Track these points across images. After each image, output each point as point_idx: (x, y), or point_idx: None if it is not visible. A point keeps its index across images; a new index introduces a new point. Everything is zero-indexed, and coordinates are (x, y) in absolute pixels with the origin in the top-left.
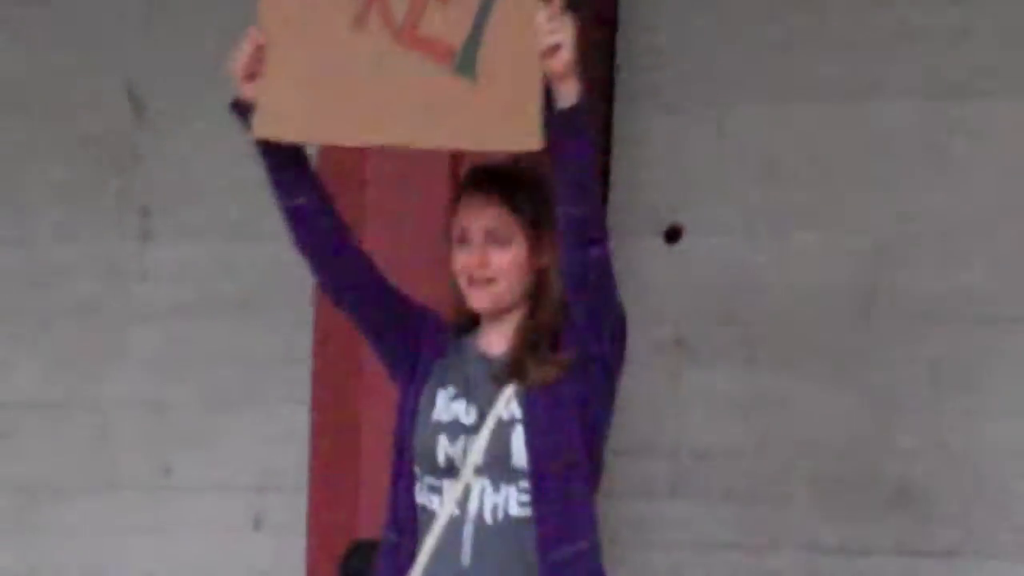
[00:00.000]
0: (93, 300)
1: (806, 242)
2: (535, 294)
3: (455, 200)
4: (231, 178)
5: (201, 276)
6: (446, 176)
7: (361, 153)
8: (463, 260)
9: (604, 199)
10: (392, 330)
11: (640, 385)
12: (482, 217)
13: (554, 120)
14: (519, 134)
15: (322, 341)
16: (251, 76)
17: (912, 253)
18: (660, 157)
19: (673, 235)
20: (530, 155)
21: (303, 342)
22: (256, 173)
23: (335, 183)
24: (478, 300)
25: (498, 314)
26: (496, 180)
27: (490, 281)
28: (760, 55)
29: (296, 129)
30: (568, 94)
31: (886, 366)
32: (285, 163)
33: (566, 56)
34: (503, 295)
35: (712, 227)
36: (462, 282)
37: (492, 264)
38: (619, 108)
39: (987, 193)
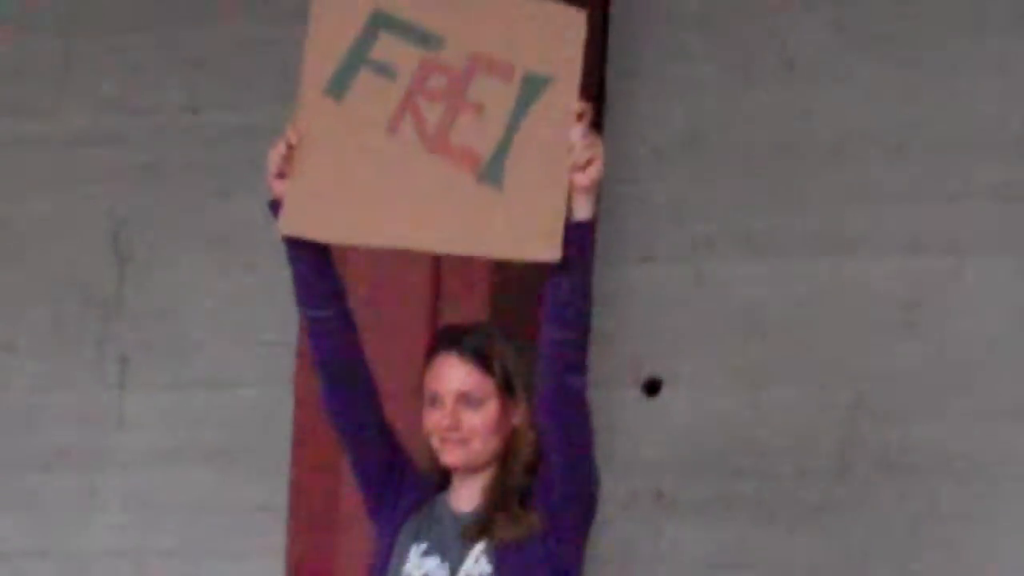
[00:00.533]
0: (71, 448)
1: (784, 395)
2: (506, 453)
3: (427, 358)
4: (211, 327)
5: (178, 425)
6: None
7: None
8: (436, 420)
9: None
10: (380, 473)
11: (619, 536)
12: (455, 379)
13: (569, 230)
14: (541, 245)
15: (297, 493)
16: (283, 175)
17: (888, 407)
18: (639, 308)
19: (652, 388)
20: (504, 314)
21: (279, 493)
22: (236, 321)
23: None
24: (451, 457)
25: (470, 471)
26: (468, 341)
27: (464, 441)
28: (739, 208)
29: (321, 228)
30: (587, 208)
31: (864, 520)
32: (313, 269)
33: (596, 173)
34: (477, 454)
35: (691, 379)
36: (435, 440)
37: (464, 426)
38: (598, 259)
39: (960, 348)
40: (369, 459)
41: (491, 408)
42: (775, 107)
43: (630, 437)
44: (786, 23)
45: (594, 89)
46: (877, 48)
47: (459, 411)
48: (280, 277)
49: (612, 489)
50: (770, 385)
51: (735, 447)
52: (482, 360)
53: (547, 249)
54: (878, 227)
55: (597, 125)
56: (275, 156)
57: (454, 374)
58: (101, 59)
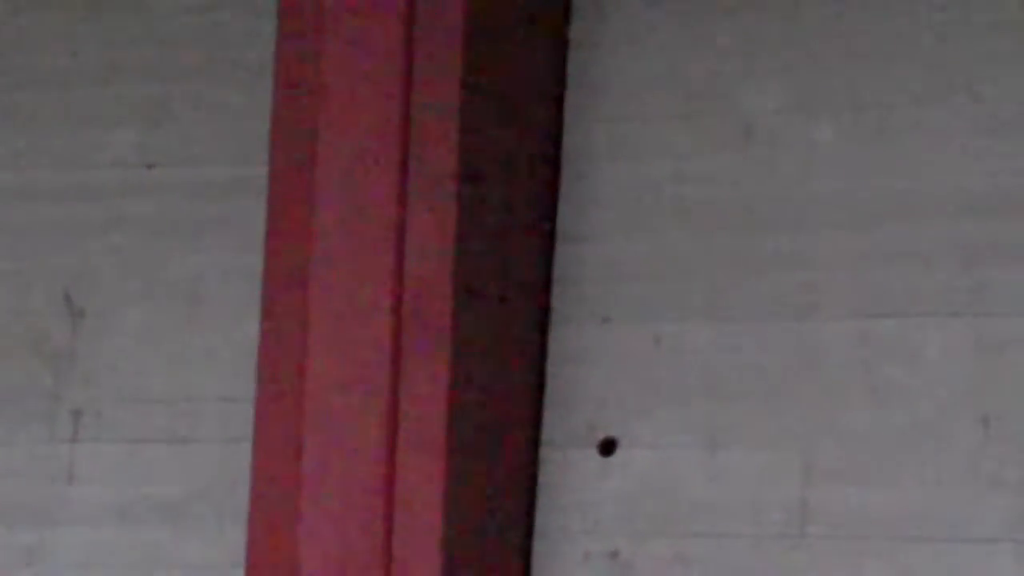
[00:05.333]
0: (21, 503)
1: (739, 458)
2: None
3: None
4: (165, 382)
5: (131, 480)
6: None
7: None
8: None
9: (539, 411)
10: None
11: None
12: None
13: None
14: None
15: (254, 551)
16: None
17: (844, 472)
18: (596, 369)
19: (607, 448)
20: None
21: (236, 551)
22: (191, 376)
23: None
24: None
25: None
26: None
27: None
28: (697, 271)
29: None
30: None
31: None
32: None
33: None
34: None
35: (646, 441)
36: None
37: None
38: (554, 320)
39: (915, 412)
40: None
41: None
42: (733, 170)
43: (586, 499)
44: (745, 91)
45: (549, 150)
46: (834, 113)
47: None
48: (237, 333)
49: (567, 549)
50: (726, 447)
51: (690, 509)
52: None
53: None
54: (832, 290)
55: (553, 186)
56: None
57: None
58: (53, 112)
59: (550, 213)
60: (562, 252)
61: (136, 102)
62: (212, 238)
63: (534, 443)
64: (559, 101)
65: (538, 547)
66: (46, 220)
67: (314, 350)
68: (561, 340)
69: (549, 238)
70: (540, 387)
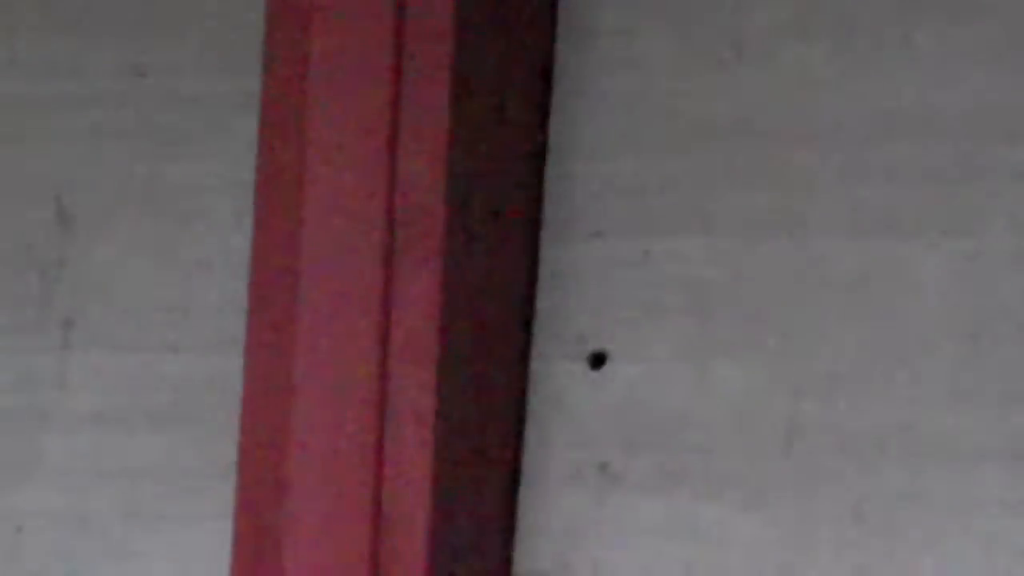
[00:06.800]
0: (12, 410)
1: (729, 372)
2: None
3: None
4: (156, 290)
5: (122, 388)
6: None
7: None
8: None
9: (529, 325)
10: None
11: (563, 509)
12: None
13: None
14: None
15: (246, 457)
16: None
17: (833, 387)
18: (586, 284)
19: (597, 361)
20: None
21: (227, 457)
22: (183, 284)
23: None
24: None
25: None
26: None
27: None
28: (688, 186)
29: None
30: None
31: (808, 500)
32: None
33: None
34: None
35: (636, 354)
36: None
37: None
38: (545, 235)
39: (908, 330)
40: None
41: None
42: (727, 87)
43: (575, 411)
44: (740, 8)
45: (542, 63)
46: (829, 33)
47: None
48: (230, 242)
49: (556, 462)
50: (716, 362)
51: (680, 422)
52: None
53: None
54: (825, 208)
55: (545, 100)
56: None
57: None
58: (45, 20)
59: (542, 128)
60: (554, 167)
61: (127, 8)
62: (205, 147)
63: (524, 356)
64: (552, 14)
65: (527, 459)
66: (37, 128)
67: (306, 258)
68: (552, 254)
69: (541, 153)
70: (531, 300)
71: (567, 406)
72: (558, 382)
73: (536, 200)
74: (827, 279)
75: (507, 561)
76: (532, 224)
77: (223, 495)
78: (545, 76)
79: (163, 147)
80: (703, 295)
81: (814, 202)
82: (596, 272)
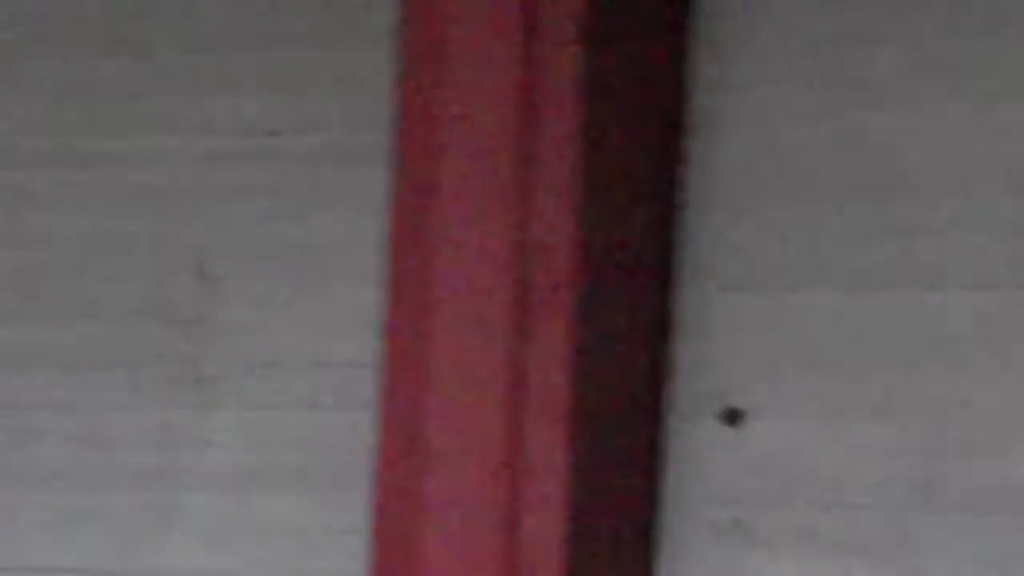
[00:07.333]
0: (150, 467)
1: (866, 429)
2: None
3: None
4: (293, 347)
5: (258, 445)
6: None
7: None
8: None
9: (662, 382)
10: None
11: (701, 566)
12: None
13: None
14: None
15: (379, 516)
16: None
17: (970, 446)
18: (720, 339)
19: (733, 418)
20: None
21: (360, 515)
22: (316, 342)
23: None
24: None
25: None
26: None
27: None
28: (823, 240)
29: None
30: None
31: (948, 558)
32: None
33: None
34: None
35: (772, 411)
36: None
37: None
38: (679, 289)
39: None
40: None
41: None
42: (861, 137)
43: (710, 468)
44: (863, 50)
45: (672, 116)
46: (954, 78)
47: None
48: (364, 299)
49: (692, 519)
50: (853, 419)
51: (816, 480)
52: None
53: None
54: (961, 260)
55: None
56: None
57: None
58: (179, 80)
59: (674, 180)
60: (686, 219)
61: (259, 69)
62: (339, 203)
63: (658, 412)
64: (681, 67)
65: (662, 516)
66: (177, 186)
67: (438, 319)
68: (686, 308)
69: (673, 205)
70: (664, 356)
71: (701, 462)
72: (692, 438)
73: (669, 252)
74: (964, 333)
75: None
76: (665, 276)
77: (357, 552)
78: (676, 129)
79: (297, 204)
80: (841, 351)
81: (950, 254)
82: (730, 326)
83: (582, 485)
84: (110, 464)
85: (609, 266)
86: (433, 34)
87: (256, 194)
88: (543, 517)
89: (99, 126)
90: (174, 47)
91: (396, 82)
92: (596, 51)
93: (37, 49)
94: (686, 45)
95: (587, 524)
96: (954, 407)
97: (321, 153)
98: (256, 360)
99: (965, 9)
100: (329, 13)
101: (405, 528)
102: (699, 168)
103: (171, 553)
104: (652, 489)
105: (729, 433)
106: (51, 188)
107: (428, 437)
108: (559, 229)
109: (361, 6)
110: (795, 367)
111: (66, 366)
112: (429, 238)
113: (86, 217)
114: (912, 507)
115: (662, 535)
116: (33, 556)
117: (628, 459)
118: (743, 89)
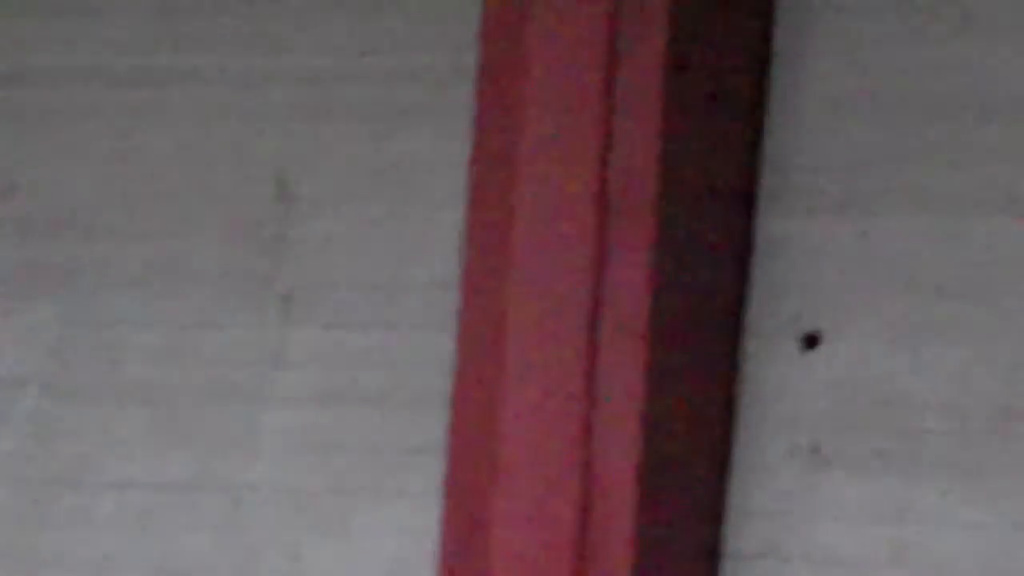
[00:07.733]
0: (230, 384)
1: (945, 353)
2: None
3: None
4: (373, 268)
5: (338, 365)
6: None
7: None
8: None
9: (742, 302)
10: None
11: (776, 489)
12: None
13: None
14: None
15: (457, 435)
16: None
17: None
18: (800, 262)
19: (811, 342)
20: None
21: (438, 434)
22: (399, 261)
23: None
24: None
25: None
26: None
27: None
28: (907, 164)
29: None
30: None
31: (1021, 483)
32: None
33: None
34: None
35: (849, 335)
36: None
37: None
38: (760, 212)
39: None
40: None
41: None
42: (948, 63)
43: (787, 391)
44: None
45: (759, 44)
46: None
47: None
48: (445, 220)
49: (767, 443)
50: (930, 343)
51: (892, 404)
52: None
53: None
54: None
55: (762, 79)
56: None
57: None
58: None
59: (758, 106)
60: (770, 142)
61: None
62: (424, 123)
63: (737, 333)
64: None
65: (737, 437)
66: (263, 105)
67: (519, 238)
68: (767, 231)
69: (757, 127)
70: (744, 277)
71: (779, 385)
72: (772, 362)
73: (751, 177)
74: None
75: (716, 541)
76: (747, 201)
77: (434, 472)
78: (762, 55)
79: (383, 124)
80: (919, 275)
81: None
82: (810, 250)
83: (658, 404)
84: (191, 380)
85: (691, 187)
86: None
87: (342, 114)
88: (619, 436)
89: (186, 45)
90: None
91: (483, 2)
92: None
93: None
94: None
95: (662, 446)
96: None
97: (408, 73)
98: (337, 279)
99: None
100: None
101: (480, 451)
102: (784, 92)
103: (250, 469)
104: (728, 411)
105: (805, 356)
106: (136, 106)
107: (505, 359)
108: (642, 150)
109: None
110: (874, 291)
111: (148, 284)
112: (511, 159)
113: (170, 136)
114: (989, 431)
115: (737, 456)
116: (115, 471)
117: (705, 380)
118: (831, 12)
